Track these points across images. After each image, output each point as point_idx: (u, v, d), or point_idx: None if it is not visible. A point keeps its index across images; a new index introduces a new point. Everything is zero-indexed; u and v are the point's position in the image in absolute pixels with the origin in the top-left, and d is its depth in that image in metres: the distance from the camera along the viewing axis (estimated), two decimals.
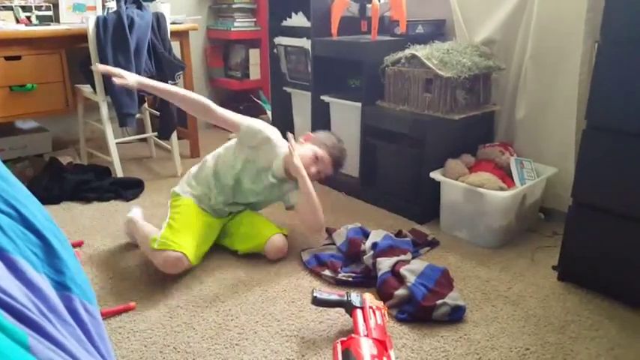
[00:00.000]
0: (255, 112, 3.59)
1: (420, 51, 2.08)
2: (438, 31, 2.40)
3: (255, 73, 3.65)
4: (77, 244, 1.92)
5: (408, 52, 2.12)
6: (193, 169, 1.97)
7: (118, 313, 1.52)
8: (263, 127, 1.86)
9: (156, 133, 2.80)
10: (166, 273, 1.66)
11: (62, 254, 0.98)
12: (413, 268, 1.59)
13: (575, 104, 1.96)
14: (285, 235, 1.88)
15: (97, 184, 2.42)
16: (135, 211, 1.99)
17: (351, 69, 2.52)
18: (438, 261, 1.79)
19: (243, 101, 3.66)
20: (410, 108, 2.15)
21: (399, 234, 1.94)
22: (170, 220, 1.76)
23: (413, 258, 1.76)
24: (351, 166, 2.49)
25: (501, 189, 1.89)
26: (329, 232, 1.98)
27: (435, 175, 2.04)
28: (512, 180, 2.00)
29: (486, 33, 2.21)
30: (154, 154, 3.09)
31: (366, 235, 1.86)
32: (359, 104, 2.33)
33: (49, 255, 0.97)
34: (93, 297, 0.95)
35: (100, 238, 2.00)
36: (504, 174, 2.02)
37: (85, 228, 2.08)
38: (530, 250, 1.93)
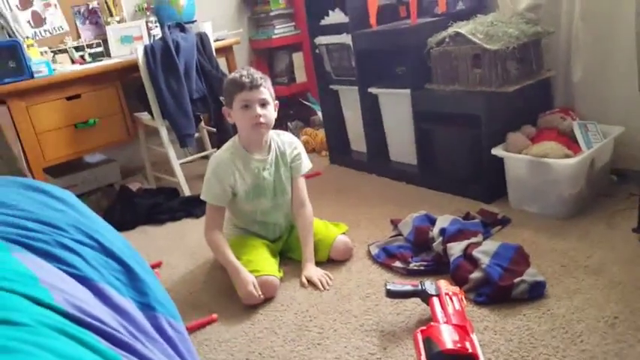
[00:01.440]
0: (306, 114, 3.63)
1: (464, 27, 2.02)
2: (479, 4, 2.32)
3: (300, 76, 3.68)
4: (156, 265, 2.03)
5: (451, 30, 2.07)
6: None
7: (202, 326, 1.58)
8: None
9: (215, 149, 2.89)
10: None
11: (143, 277, 1.04)
12: (486, 250, 1.55)
13: (634, 58, 1.83)
14: (345, 233, 1.88)
15: (168, 206, 2.54)
16: None
17: (396, 56, 2.48)
18: (511, 239, 1.73)
19: (292, 106, 3.70)
20: (461, 87, 2.09)
21: (467, 216, 1.90)
22: (240, 259, 1.74)
23: (484, 239, 1.71)
24: (407, 154, 2.46)
25: (567, 156, 1.80)
26: (394, 223, 1.97)
27: (497, 151, 1.97)
28: (578, 145, 1.89)
29: None
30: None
31: (433, 221, 1.84)
32: (407, 91, 2.29)
33: (132, 279, 1.03)
34: (177, 313, 1.00)
35: (176, 257, 2.09)
36: (569, 140, 1.92)
37: (162, 248, 2.19)
38: (606, 215, 1.82)
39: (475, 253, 1.54)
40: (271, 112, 1.76)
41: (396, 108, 2.42)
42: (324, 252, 1.83)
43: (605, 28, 1.92)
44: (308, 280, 1.71)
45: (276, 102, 1.81)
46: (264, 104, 1.72)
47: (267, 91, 1.73)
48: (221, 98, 2.66)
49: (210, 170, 1.79)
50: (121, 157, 3.09)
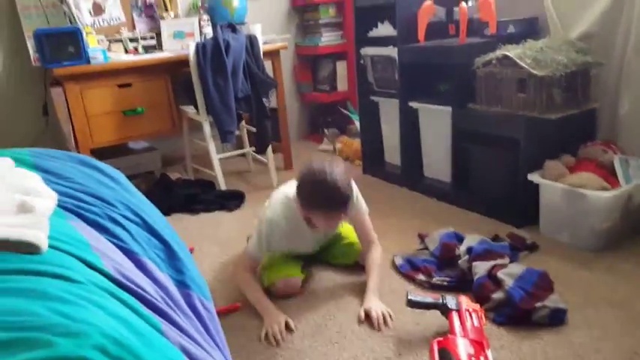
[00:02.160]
0: (344, 122, 3.68)
1: (512, 51, 2.03)
2: (531, 29, 2.32)
3: (342, 84, 3.73)
4: (189, 250, 2.09)
5: (499, 52, 2.08)
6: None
7: (226, 312, 1.64)
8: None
9: (253, 148, 2.97)
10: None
11: (181, 256, 1.10)
12: (510, 272, 1.55)
13: None
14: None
15: (204, 197, 2.62)
16: None
17: (439, 73, 2.51)
18: (538, 265, 1.72)
19: (331, 113, 3.76)
20: (504, 109, 2.10)
21: (495, 238, 1.90)
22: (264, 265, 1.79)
23: (511, 262, 1.71)
24: (442, 170, 2.47)
25: (604, 189, 1.78)
26: (422, 236, 1.98)
27: (534, 176, 1.97)
28: (617, 179, 1.87)
29: (583, 27, 2.10)
30: (252, 167, 3.27)
31: (460, 239, 1.84)
32: (449, 108, 2.31)
33: (171, 257, 1.09)
34: (208, 294, 1.06)
35: (207, 245, 2.16)
36: (607, 173, 1.90)
37: (195, 236, 2.27)
38: (637, 252, 1.79)
39: (500, 274, 1.54)
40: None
41: (435, 124, 2.44)
42: (353, 255, 1.86)
43: None
44: (366, 314, 1.56)
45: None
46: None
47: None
48: (264, 100, 2.74)
49: (265, 234, 1.68)
50: (163, 146, 3.20)
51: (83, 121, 2.50)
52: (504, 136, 2.08)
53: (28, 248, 0.70)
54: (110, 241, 0.95)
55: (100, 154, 2.81)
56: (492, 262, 1.63)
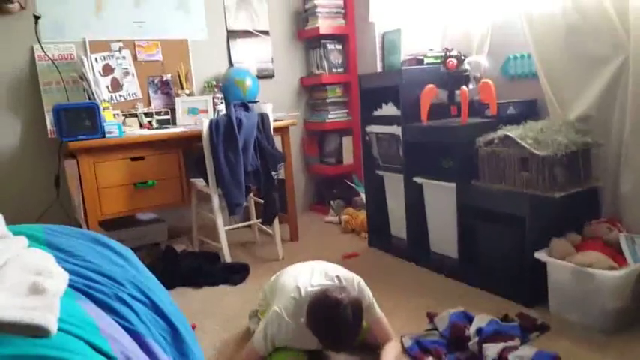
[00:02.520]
0: (349, 194, 3.73)
1: (513, 131, 2.10)
2: (530, 110, 2.41)
3: (348, 158, 3.82)
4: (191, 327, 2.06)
5: (500, 133, 2.15)
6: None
7: None
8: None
9: (260, 220, 2.99)
10: None
11: (186, 338, 1.10)
12: (522, 354, 1.51)
13: None
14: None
15: (208, 270, 2.61)
16: None
17: (442, 151, 2.57)
18: (549, 346, 1.68)
19: (337, 185, 3.82)
20: (507, 187, 2.13)
21: (505, 318, 1.86)
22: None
23: (521, 344, 1.67)
24: (448, 246, 2.47)
25: (612, 268, 1.77)
26: (430, 316, 1.95)
27: (540, 255, 1.96)
28: (624, 258, 1.86)
29: (581, 109, 2.18)
30: (258, 238, 3.27)
31: (470, 319, 1.81)
32: (453, 184, 2.35)
33: (176, 339, 1.09)
34: None
35: (210, 322, 2.13)
36: (614, 252, 1.90)
37: (198, 312, 2.23)
38: None
39: (511, 357, 1.51)
40: None
41: (440, 199, 2.47)
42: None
43: None
44: None
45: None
46: None
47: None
48: (272, 173, 2.80)
49: (270, 332, 1.64)
50: (169, 217, 3.23)
51: (94, 192, 2.55)
52: (509, 213, 2.10)
53: (38, 331, 0.71)
54: (117, 322, 0.95)
55: (107, 225, 2.84)
56: (503, 344, 1.60)
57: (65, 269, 0.94)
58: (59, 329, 0.74)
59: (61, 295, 0.81)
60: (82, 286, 0.97)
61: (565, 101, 2.25)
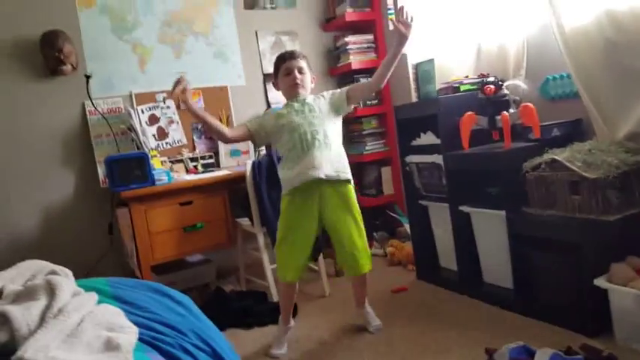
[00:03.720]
0: (392, 225, 3.70)
1: (560, 154, 2.05)
2: (575, 131, 2.35)
3: (388, 188, 3.80)
4: None
5: (547, 156, 2.10)
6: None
7: None
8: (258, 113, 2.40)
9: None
10: None
11: None
12: None
13: None
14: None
15: (257, 310, 2.63)
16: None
17: (487, 178, 2.53)
18: None
19: (379, 216, 3.80)
20: (559, 212, 2.08)
21: (568, 351, 1.78)
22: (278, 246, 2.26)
23: None
24: (502, 276, 2.40)
25: None
26: (489, 352, 1.88)
27: (600, 282, 1.88)
28: None
29: (628, 127, 2.12)
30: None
31: (532, 354, 1.74)
32: (502, 212, 2.30)
33: None
34: None
35: None
36: None
37: (250, 354, 2.24)
38: None
39: None
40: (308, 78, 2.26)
41: (490, 228, 2.42)
42: (353, 271, 2.26)
43: None
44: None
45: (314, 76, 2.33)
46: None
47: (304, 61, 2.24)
48: None
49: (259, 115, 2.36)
50: (217, 258, 3.29)
51: (146, 238, 2.63)
52: (563, 239, 2.03)
53: None
54: None
55: (159, 269, 2.92)
56: None
57: (132, 322, 0.97)
58: None
59: (133, 349, 0.84)
60: (149, 338, 1.00)
61: (611, 120, 2.19)
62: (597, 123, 2.23)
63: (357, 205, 2.29)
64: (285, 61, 2.23)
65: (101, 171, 3.03)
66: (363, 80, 2.48)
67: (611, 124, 2.20)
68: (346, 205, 2.22)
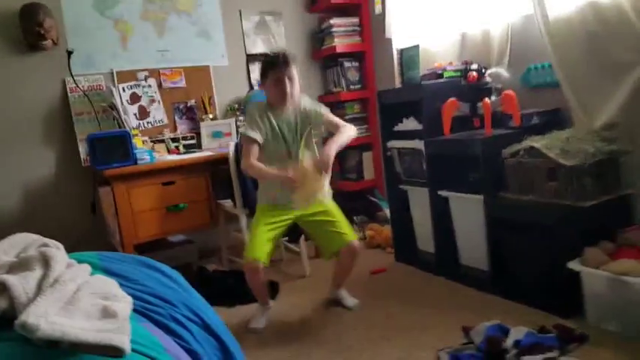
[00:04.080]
0: (372, 210, 3.75)
1: (539, 142, 2.11)
2: (555, 120, 2.41)
3: (369, 173, 3.85)
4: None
5: (525, 143, 2.17)
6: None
7: None
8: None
9: (286, 238, 3.03)
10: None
11: (236, 355, 1.13)
12: None
13: None
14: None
15: (240, 289, 2.65)
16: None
17: (467, 163, 2.59)
18: (589, 357, 1.67)
19: (359, 200, 3.84)
20: (535, 197, 2.14)
21: (542, 330, 1.86)
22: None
23: (561, 355, 1.67)
24: (479, 259, 2.47)
25: None
26: (466, 330, 1.96)
27: (574, 265, 1.96)
28: None
29: (606, 117, 2.18)
30: (284, 255, 3.31)
31: (506, 332, 1.82)
32: (480, 196, 2.36)
33: (227, 357, 1.12)
34: None
35: (246, 344, 2.16)
36: None
37: (232, 330, 2.26)
38: None
39: None
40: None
41: (468, 212, 2.48)
42: (335, 245, 2.24)
43: None
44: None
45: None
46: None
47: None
48: None
49: (249, 113, 2.29)
50: (199, 239, 3.29)
51: (129, 217, 2.62)
52: (539, 223, 2.10)
53: (115, 352, 0.76)
54: (176, 342, 1.00)
55: (141, 248, 2.91)
56: (542, 356, 1.60)
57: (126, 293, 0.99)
58: (132, 349, 0.79)
59: (128, 317, 0.86)
60: (141, 308, 1.02)
61: (590, 109, 2.26)
62: (576, 112, 2.30)
63: (335, 205, 2.36)
64: (275, 68, 2.17)
65: (83, 149, 3.00)
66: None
67: (589, 113, 2.26)
68: (324, 209, 2.29)
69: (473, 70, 2.56)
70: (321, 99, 3.87)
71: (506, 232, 2.28)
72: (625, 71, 2.11)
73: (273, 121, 2.23)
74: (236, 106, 3.37)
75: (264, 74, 2.22)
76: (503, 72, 2.57)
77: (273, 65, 2.16)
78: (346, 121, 3.68)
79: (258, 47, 3.60)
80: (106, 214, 2.68)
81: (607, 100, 2.19)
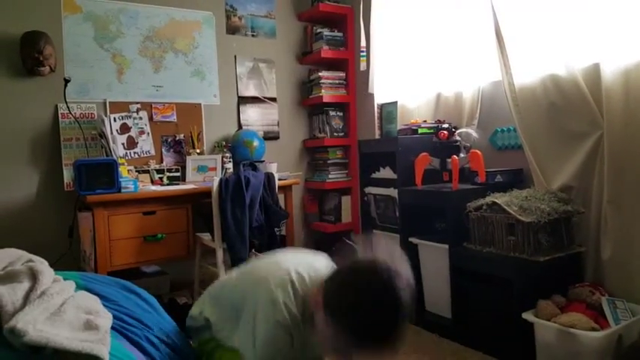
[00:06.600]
0: (347, 251, 3.84)
1: (500, 198, 2.28)
2: (516, 179, 2.61)
3: (346, 216, 3.97)
4: None
5: (488, 199, 2.33)
6: None
7: None
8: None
9: None
10: None
11: None
12: None
13: None
14: None
15: None
16: None
17: (436, 213, 2.75)
18: None
19: (335, 242, 3.95)
20: (496, 250, 2.29)
21: None
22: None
23: None
24: (442, 306, 2.59)
25: (594, 329, 1.90)
26: None
27: (528, 315, 2.09)
28: (607, 320, 1.99)
29: (562, 180, 2.38)
30: None
31: None
32: (445, 246, 2.50)
33: None
34: None
35: None
36: (597, 314, 2.03)
37: None
38: None
39: None
40: None
41: (434, 260, 2.61)
42: None
43: (630, 213, 2.14)
44: None
45: None
46: None
47: None
48: (275, 229, 2.95)
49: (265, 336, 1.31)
50: (172, 270, 3.34)
51: (106, 244, 2.68)
52: (498, 275, 2.24)
53: None
54: None
55: (114, 276, 2.94)
56: None
57: None
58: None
59: (109, 331, 0.95)
60: (119, 327, 1.11)
61: (548, 172, 2.45)
62: (536, 173, 2.49)
63: None
64: (381, 343, 1.22)
65: (67, 174, 3.07)
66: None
67: (548, 175, 2.46)
68: None
69: (444, 128, 2.76)
70: (307, 143, 4.04)
71: (468, 281, 2.41)
72: (580, 140, 2.32)
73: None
74: (224, 142, 3.50)
75: (352, 329, 1.20)
76: (472, 132, 2.77)
77: (382, 341, 1.20)
78: (328, 165, 3.89)
79: (250, 91, 3.79)
80: (83, 238, 2.73)
81: (563, 164, 2.38)
